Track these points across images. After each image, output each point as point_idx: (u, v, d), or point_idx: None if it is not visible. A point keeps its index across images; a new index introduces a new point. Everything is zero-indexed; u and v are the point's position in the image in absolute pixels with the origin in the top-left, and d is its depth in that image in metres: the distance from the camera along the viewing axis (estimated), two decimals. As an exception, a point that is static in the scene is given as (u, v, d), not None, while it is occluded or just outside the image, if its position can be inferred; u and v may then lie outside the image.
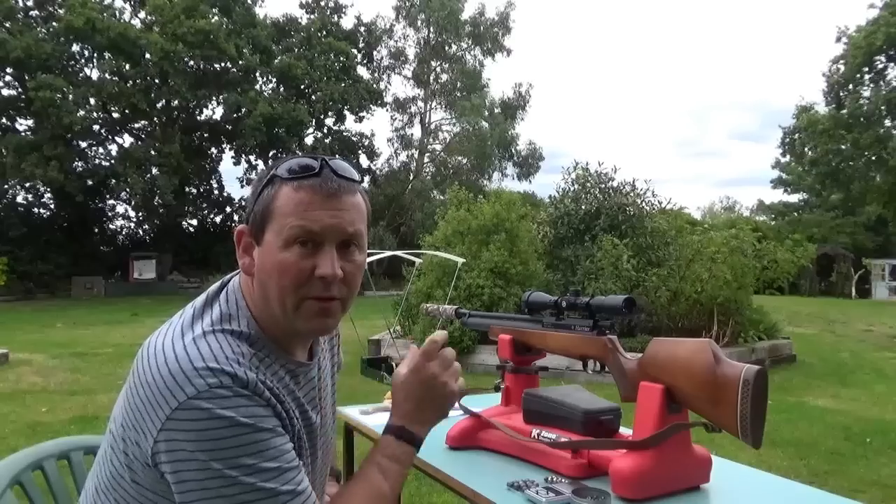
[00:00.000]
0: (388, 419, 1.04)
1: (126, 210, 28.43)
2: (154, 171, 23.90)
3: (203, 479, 0.83)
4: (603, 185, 10.16)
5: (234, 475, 0.83)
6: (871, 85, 21.98)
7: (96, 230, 27.87)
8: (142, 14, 24.18)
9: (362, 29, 30.70)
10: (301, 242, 0.90)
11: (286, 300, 0.92)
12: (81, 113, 21.54)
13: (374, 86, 30.29)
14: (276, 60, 26.29)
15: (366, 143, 31.04)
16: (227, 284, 1.00)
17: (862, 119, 21.46)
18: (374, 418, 1.84)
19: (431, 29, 32.59)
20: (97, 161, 25.53)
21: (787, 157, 29.34)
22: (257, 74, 26.27)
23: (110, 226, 29.27)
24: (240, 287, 0.98)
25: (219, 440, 0.82)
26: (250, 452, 0.84)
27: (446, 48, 32.97)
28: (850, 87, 22.17)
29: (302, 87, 27.37)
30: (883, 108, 21.11)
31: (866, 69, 21.89)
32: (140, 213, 27.70)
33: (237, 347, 0.90)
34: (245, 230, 0.95)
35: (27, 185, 23.89)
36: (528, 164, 32.91)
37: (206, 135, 27.81)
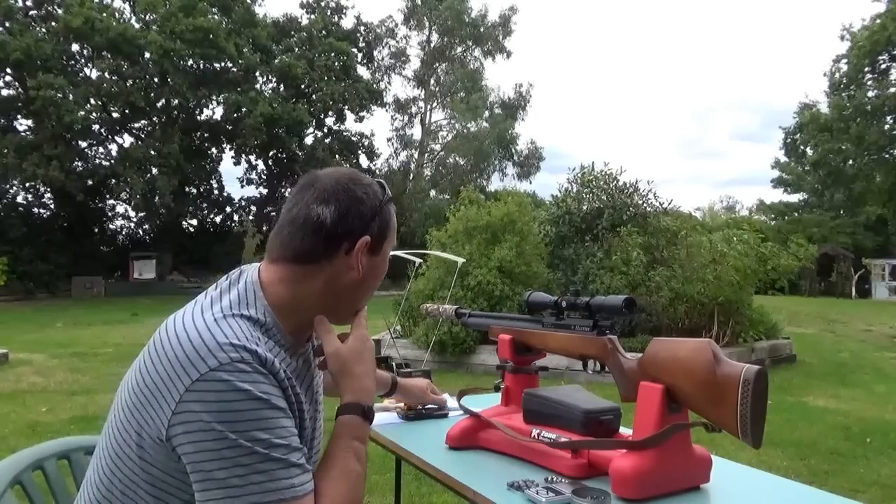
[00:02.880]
0: (348, 396, 1.04)
1: (126, 210, 28.51)
2: (154, 171, 23.91)
3: (220, 448, 0.85)
4: (606, 186, 10.16)
5: (249, 445, 0.86)
6: (874, 83, 21.94)
7: (96, 230, 27.87)
8: (140, 14, 24.17)
9: (362, 29, 30.73)
10: None
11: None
12: (81, 112, 21.54)
13: (375, 86, 30.31)
14: (276, 60, 26.30)
15: (366, 143, 31.07)
16: (242, 275, 1.04)
17: (867, 115, 21.43)
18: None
19: (435, 30, 32.64)
20: (97, 161, 25.54)
21: (788, 157, 29.34)
22: (257, 74, 26.28)
23: (110, 226, 29.32)
24: (258, 280, 1.02)
25: (236, 412, 0.86)
26: (264, 427, 0.88)
27: (448, 49, 33.00)
28: (853, 85, 22.15)
29: (302, 86, 27.39)
30: (886, 106, 21.07)
31: (869, 69, 21.87)
32: (140, 213, 27.71)
33: (254, 332, 0.95)
34: (370, 241, 1.03)
35: (27, 185, 23.90)
36: (529, 164, 32.93)
37: (206, 135, 27.82)
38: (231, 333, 0.91)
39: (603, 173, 10.32)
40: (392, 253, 1.13)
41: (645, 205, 9.94)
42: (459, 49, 33.24)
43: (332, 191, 1.01)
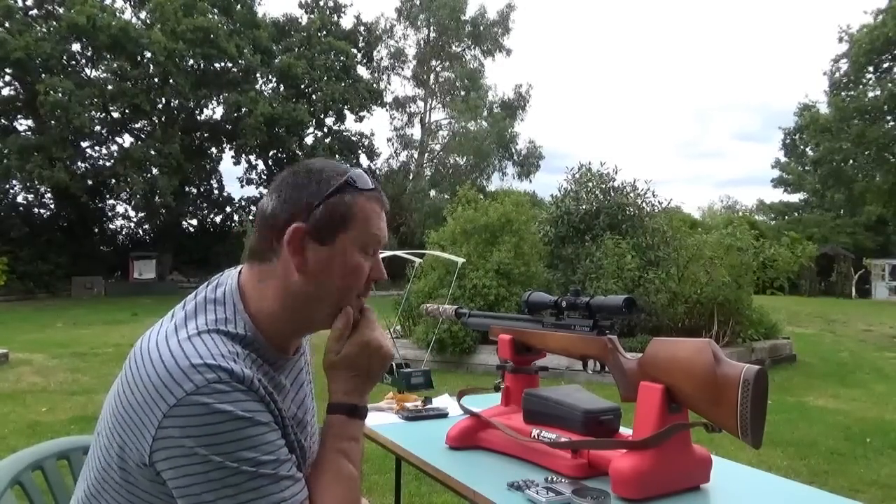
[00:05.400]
0: (335, 396, 1.01)
1: (126, 210, 28.45)
2: (154, 171, 23.90)
3: (206, 471, 0.84)
4: (604, 185, 10.17)
5: (235, 466, 0.84)
6: (875, 83, 21.93)
7: (96, 230, 27.83)
8: (143, 14, 24.16)
9: (362, 28, 30.73)
10: (370, 251, 1.00)
11: (344, 299, 0.99)
12: (86, 115, 21.49)
13: (374, 85, 30.31)
14: (276, 60, 26.30)
15: (366, 143, 31.07)
16: (220, 285, 1.00)
17: (866, 116, 21.44)
18: (372, 418, 1.84)
19: (432, 28, 32.66)
20: (99, 161, 25.55)
21: (787, 157, 29.37)
22: (257, 74, 26.27)
23: (110, 226, 29.27)
24: (237, 288, 0.98)
25: (219, 434, 0.84)
26: (250, 446, 0.85)
27: (446, 48, 33.02)
28: (853, 84, 22.14)
29: (302, 86, 27.38)
30: (885, 106, 21.07)
31: (871, 68, 21.86)
32: (140, 213, 27.71)
33: (231, 347, 0.91)
34: (305, 229, 0.95)
35: (28, 185, 23.88)
36: (528, 164, 32.90)
37: (206, 135, 27.80)
38: (205, 352, 0.87)
39: (599, 173, 10.32)
40: (392, 253, 1.10)
41: (643, 204, 9.95)
42: (457, 47, 33.24)
43: (282, 180, 0.98)
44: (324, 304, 0.98)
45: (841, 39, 22.76)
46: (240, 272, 1.02)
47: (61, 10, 21.87)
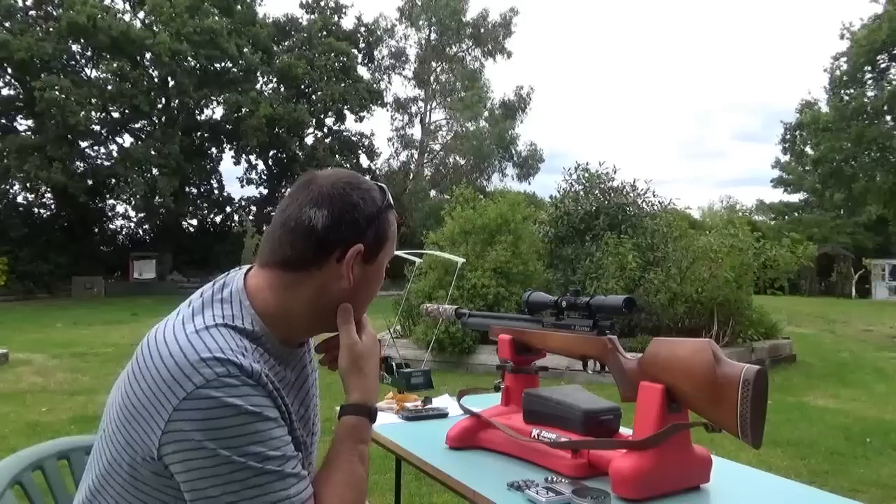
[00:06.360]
0: (356, 395, 1.01)
1: (126, 210, 28.49)
2: (154, 171, 23.90)
3: (213, 465, 0.84)
4: (603, 186, 10.17)
5: (242, 461, 0.84)
6: (874, 83, 21.90)
7: (96, 230, 27.84)
8: (141, 14, 24.17)
9: (363, 29, 30.74)
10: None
11: (367, 307, 1.07)
12: (83, 113, 21.50)
13: (375, 86, 30.33)
14: (276, 60, 26.31)
15: (366, 143, 31.09)
16: (227, 285, 1.00)
17: (865, 115, 21.42)
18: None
19: (433, 29, 32.69)
20: (98, 161, 25.55)
21: (788, 155, 29.33)
22: (258, 74, 26.28)
23: (110, 226, 29.29)
24: (243, 289, 0.98)
25: (227, 428, 0.84)
26: (257, 441, 0.86)
27: (447, 49, 33.06)
28: (853, 84, 22.10)
29: (302, 87, 27.40)
30: (885, 106, 21.06)
31: (869, 68, 21.83)
32: (140, 213, 27.71)
33: (240, 341, 0.92)
34: (363, 250, 0.98)
35: (28, 185, 23.89)
36: (528, 165, 32.96)
37: (206, 135, 27.81)
38: (215, 346, 0.88)
39: (598, 173, 10.33)
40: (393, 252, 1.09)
41: (642, 204, 9.95)
42: (457, 48, 33.27)
43: (327, 194, 0.96)
44: (353, 316, 1.04)
45: (843, 36, 22.72)
46: (245, 273, 1.02)
47: (61, 11, 21.88)
